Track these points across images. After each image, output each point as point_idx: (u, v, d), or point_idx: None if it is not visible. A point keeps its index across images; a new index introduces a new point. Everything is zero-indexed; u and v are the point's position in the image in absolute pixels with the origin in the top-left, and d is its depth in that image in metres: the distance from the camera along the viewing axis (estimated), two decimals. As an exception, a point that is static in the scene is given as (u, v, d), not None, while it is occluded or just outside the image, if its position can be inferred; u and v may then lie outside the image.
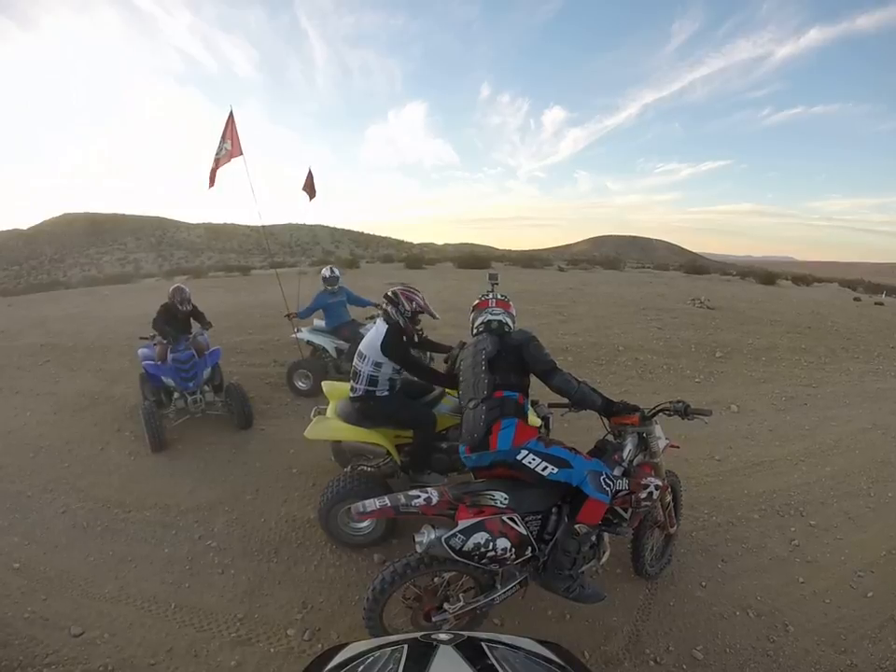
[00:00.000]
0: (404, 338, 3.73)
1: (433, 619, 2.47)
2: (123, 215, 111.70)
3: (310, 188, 7.48)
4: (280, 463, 4.86)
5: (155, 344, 5.82)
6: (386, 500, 2.40)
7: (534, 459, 2.55)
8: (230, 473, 4.69)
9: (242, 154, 5.16)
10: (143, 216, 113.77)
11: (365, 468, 3.64)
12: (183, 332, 5.83)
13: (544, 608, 3.05)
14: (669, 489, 3.18)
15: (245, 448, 5.22)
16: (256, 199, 5.31)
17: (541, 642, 1.52)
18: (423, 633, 1.49)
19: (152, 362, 5.62)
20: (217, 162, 5.16)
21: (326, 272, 7.04)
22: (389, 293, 3.73)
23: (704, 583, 3.37)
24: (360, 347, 3.67)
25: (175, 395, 5.58)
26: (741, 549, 3.80)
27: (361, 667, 1.31)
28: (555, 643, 1.56)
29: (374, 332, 3.64)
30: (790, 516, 4.29)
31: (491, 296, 3.28)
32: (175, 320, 5.89)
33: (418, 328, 4.03)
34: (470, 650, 1.32)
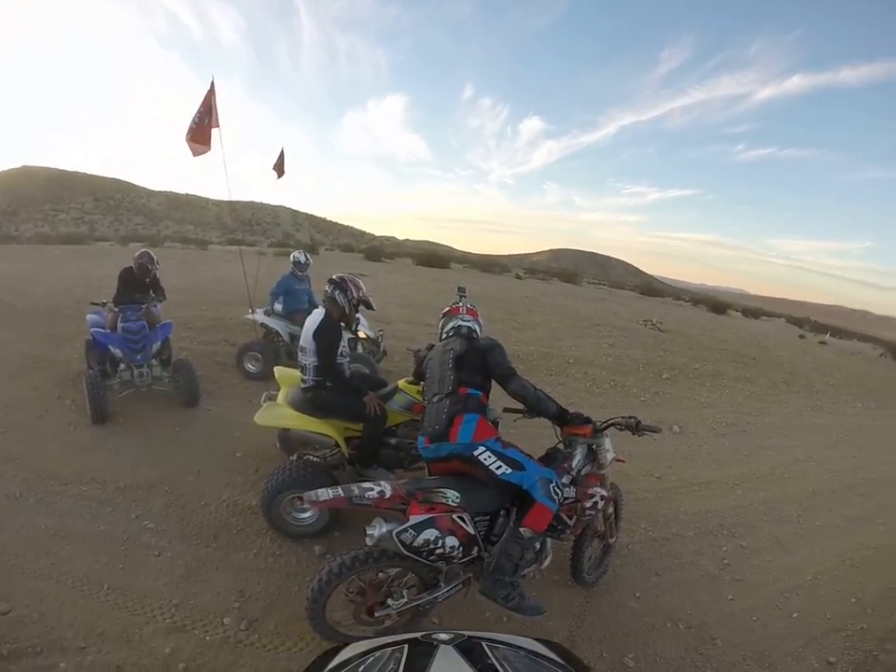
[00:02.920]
0: (342, 326, 3.77)
1: (376, 614, 2.46)
2: (84, 174, 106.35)
3: (279, 167, 7.39)
4: (224, 445, 4.72)
5: (107, 312, 5.58)
6: (340, 490, 2.39)
7: (490, 457, 2.60)
8: (172, 452, 4.53)
9: (218, 126, 5.00)
10: (104, 177, 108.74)
11: (311, 457, 3.60)
12: (138, 301, 5.60)
13: (483, 608, 3.08)
14: (612, 501, 3.28)
15: (189, 427, 5.06)
16: (227, 174, 5.14)
17: (542, 641, 1.53)
18: (423, 633, 1.48)
19: (101, 329, 5.37)
20: (192, 132, 4.97)
21: (300, 257, 6.97)
22: (336, 277, 3.76)
23: (638, 594, 3.47)
24: (300, 341, 3.67)
25: (122, 366, 5.32)
26: (675, 564, 3.93)
27: (362, 667, 1.30)
28: (556, 642, 1.57)
29: (309, 321, 3.66)
30: (722, 536, 4.47)
31: (462, 304, 3.40)
32: (134, 286, 5.68)
33: (357, 315, 4.08)
34: (471, 649, 1.32)
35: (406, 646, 1.35)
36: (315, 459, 3.59)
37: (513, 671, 1.24)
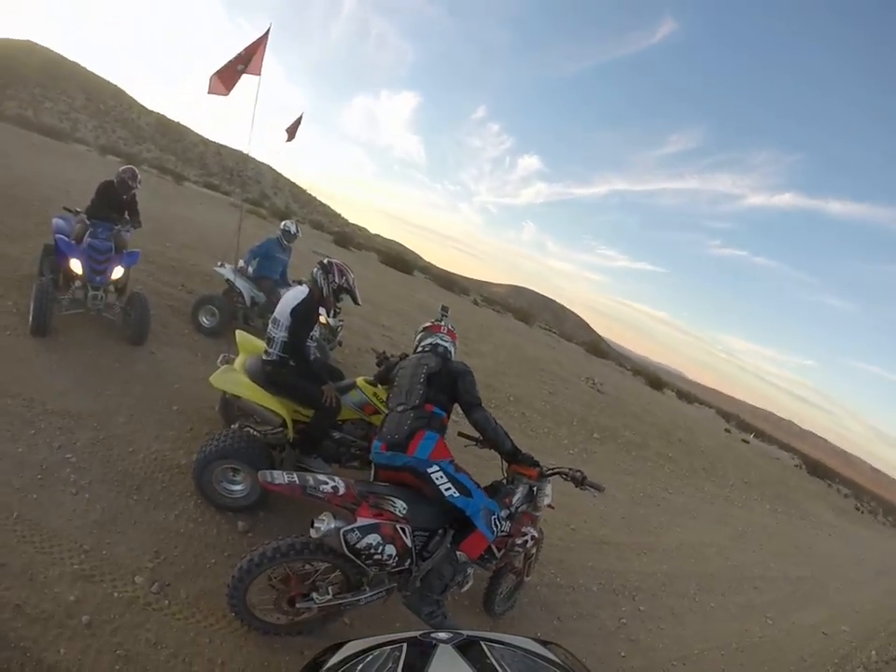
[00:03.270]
0: (319, 310, 3.74)
1: (297, 605, 2.44)
2: (84, 68, 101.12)
3: (293, 131, 7.39)
4: (162, 395, 4.53)
5: (76, 221, 5.26)
6: (295, 478, 2.37)
7: (442, 477, 2.67)
8: (107, 387, 4.30)
9: (259, 75, 4.89)
10: (103, 78, 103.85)
11: (252, 430, 3.53)
12: (112, 220, 5.31)
13: (395, 618, 3.09)
14: (538, 542, 3.39)
15: (129, 366, 4.82)
16: (253, 126, 5.02)
17: (540, 641, 1.54)
18: (422, 632, 1.47)
19: (66, 238, 5.04)
20: (222, 71, 4.83)
21: (292, 227, 6.86)
22: (325, 261, 3.76)
23: (539, 634, 3.54)
24: (275, 313, 3.61)
25: (77, 283, 4.99)
26: (576, 613, 4.08)
27: (360, 666, 1.29)
28: (555, 643, 1.59)
29: (291, 294, 3.62)
30: (623, 597, 4.68)
31: (443, 323, 3.49)
32: (112, 202, 5.41)
33: (339, 305, 4.05)
34: (470, 649, 1.32)
35: (405, 645, 1.35)
36: (255, 433, 3.52)
37: (512, 671, 1.25)
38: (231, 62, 4.96)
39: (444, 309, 4.00)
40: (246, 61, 4.93)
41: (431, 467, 2.68)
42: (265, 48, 4.97)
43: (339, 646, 1.49)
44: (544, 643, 1.55)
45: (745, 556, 7.49)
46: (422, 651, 1.31)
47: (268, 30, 5.00)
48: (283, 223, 6.95)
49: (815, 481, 24.30)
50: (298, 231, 6.95)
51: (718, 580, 6.10)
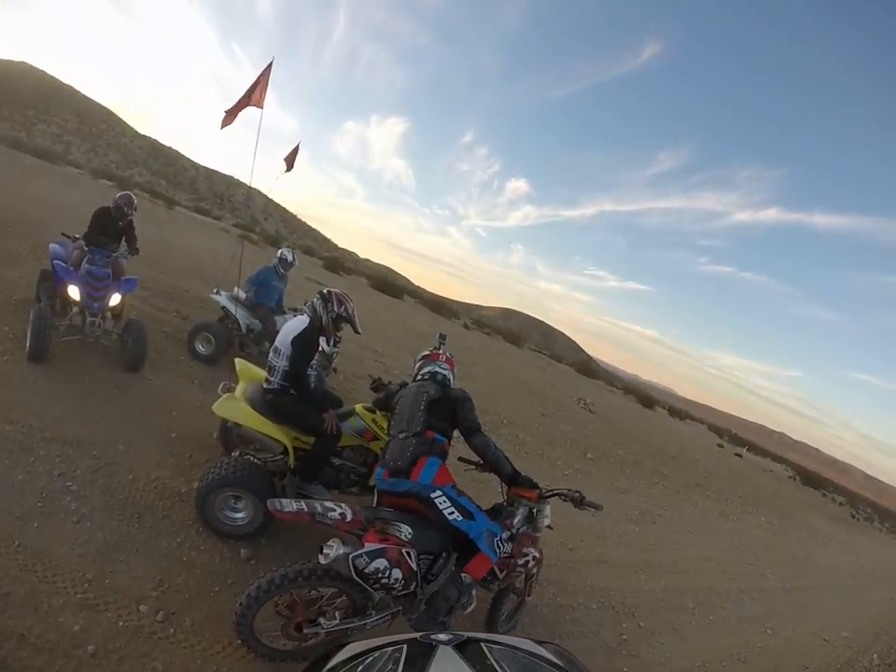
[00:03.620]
0: (320, 339, 3.80)
1: (304, 631, 2.45)
2: (78, 91, 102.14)
3: (291, 161, 7.51)
4: (160, 422, 4.53)
5: (73, 248, 5.28)
6: (304, 505, 2.42)
7: (445, 502, 2.73)
8: (105, 414, 4.29)
9: (262, 108, 4.99)
10: (97, 101, 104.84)
11: (253, 458, 3.52)
12: (109, 246, 5.35)
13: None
14: (539, 562, 3.43)
15: (127, 393, 4.82)
16: (255, 157, 5.10)
17: (540, 642, 1.53)
18: (422, 633, 1.47)
19: (63, 264, 5.05)
20: (237, 106, 4.96)
21: (288, 255, 6.89)
22: (325, 290, 3.81)
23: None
24: (276, 342, 3.65)
25: (75, 309, 5.01)
26: (577, 631, 4.10)
27: (361, 667, 1.30)
28: (554, 643, 1.59)
29: (292, 325, 3.66)
30: (623, 614, 4.70)
31: (442, 351, 3.58)
32: (108, 228, 5.45)
33: (338, 334, 4.09)
34: (470, 650, 1.32)
35: (405, 646, 1.35)
36: (256, 461, 3.51)
37: (511, 671, 1.25)
38: (240, 99, 5.09)
39: (442, 337, 4.05)
40: (250, 92, 5.06)
41: (435, 492, 2.73)
42: (268, 81, 5.10)
43: (340, 647, 1.50)
44: (543, 643, 1.55)
45: (742, 569, 7.53)
46: (422, 651, 1.31)
47: (270, 64, 5.11)
48: (280, 251, 6.99)
49: (809, 491, 24.46)
50: (294, 259, 6.98)
51: (716, 593, 6.13)
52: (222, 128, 5.28)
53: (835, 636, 6.44)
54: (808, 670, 5.19)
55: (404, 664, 1.24)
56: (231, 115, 5.13)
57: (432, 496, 2.72)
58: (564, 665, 1.41)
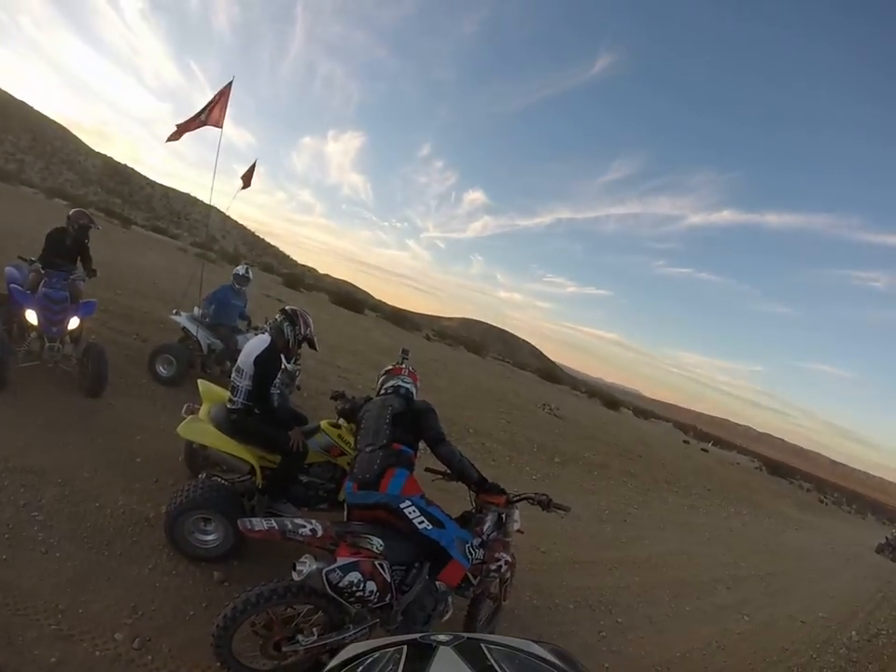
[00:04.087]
0: (282, 358, 3.79)
1: (283, 649, 2.46)
2: (32, 107, 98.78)
3: (248, 178, 7.49)
4: (125, 447, 4.45)
5: (30, 271, 5.16)
6: (274, 523, 2.44)
7: (414, 511, 2.78)
8: (68, 442, 4.21)
9: (221, 128, 4.96)
10: (50, 118, 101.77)
11: (220, 479, 3.51)
12: (66, 268, 5.24)
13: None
14: (512, 566, 3.50)
15: (89, 419, 4.72)
16: (214, 176, 5.08)
17: (541, 643, 1.53)
18: (422, 634, 1.46)
19: (20, 287, 4.93)
20: (191, 123, 4.90)
21: (242, 270, 6.86)
22: (289, 310, 3.82)
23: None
24: (238, 362, 3.64)
25: (33, 334, 4.88)
26: (556, 632, 4.16)
27: (360, 668, 1.29)
28: (555, 644, 1.58)
29: (254, 344, 3.65)
30: (600, 612, 4.79)
31: (405, 366, 3.63)
32: (63, 249, 5.34)
33: (298, 352, 4.12)
34: (470, 651, 1.30)
35: (405, 647, 1.34)
36: (224, 482, 3.49)
37: None
38: (194, 116, 5.04)
39: (405, 352, 4.12)
40: (208, 112, 5.02)
41: (404, 502, 2.78)
42: (227, 100, 5.06)
43: (339, 647, 1.53)
44: (544, 644, 1.55)
45: (715, 559, 7.74)
46: (422, 652, 1.30)
47: (230, 83, 5.08)
48: (235, 268, 6.96)
49: (776, 480, 25.22)
50: (249, 274, 6.95)
51: (691, 585, 6.29)
52: (167, 141, 5.23)
53: (812, 616, 6.68)
54: (788, 652, 5.34)
55: (404, 664, 1.24)
56: (180, 130, 5.07)
57: (401, 506, 2.77)
58: (564, 665, 1.41)
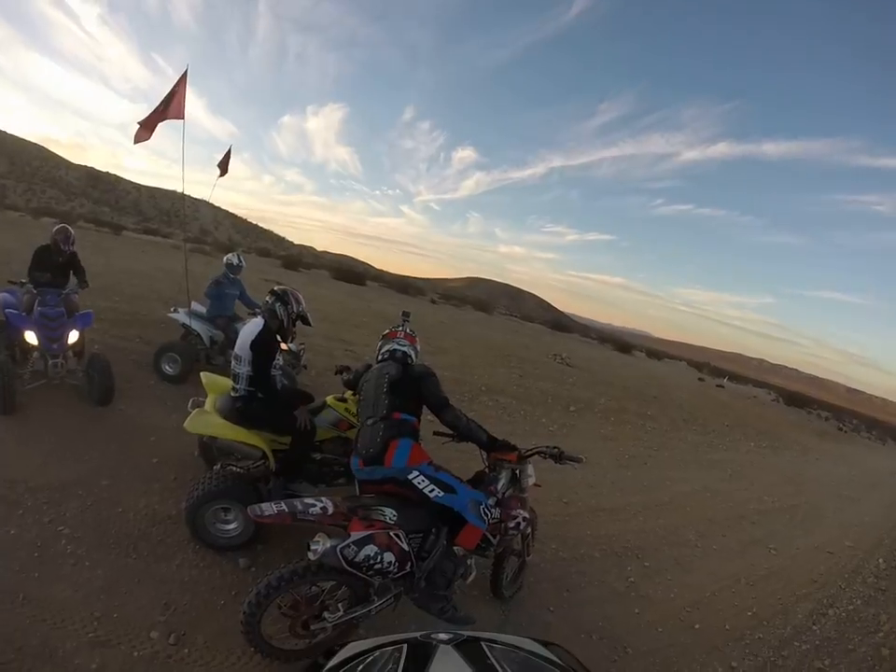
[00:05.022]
0: (278, 339, 3.79)
1: (311, 627, 2.51)
2: (5, 132, 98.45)
3: (224, 165, 7.38)
4: (140, 450, 4.52)
5: (22, 293, 5.19)
6: (283, 506, 2.45)
7: (423, 481, 2.77)
8: (84, 453, 4.27)
9: (182, 119, 4.86)
10: (26, 139, 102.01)
11: (234, 468, 3.55)
12: (57, 284, 5.24)
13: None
14: (531, 522, 3.53)
15: (102, 427, 4.78)
16: (184, 167, 5.00)
17: (541, 642, 1.55)
18: (422, 633, 1.47)
19: (15, 311, 4.95)
20: (147, 118, 4.81)
21: (234, 259, 6.82)
22: (278, 290, 3.79)
23: (552, 608, 3.72)
24: (236, 349, 3.63)
25: (35, 354, 4.93)
26: (584, 581, 4.23)
27: (361, 667, 1.30)
28: (556, 643, 1.60)
29: (248, 329, 3.64)
30: (627, 557, 4.85)
31: (401, 329, 3.52)
32: (51, 266, 5.32)
33: (294, 330, 4.12)
34: (470, 649, 1.32)
35: (405, 646, 1.36)
36: (238, 470, 3.54)
37: (512, 671, 1.26)
38: (154, 110, 4.95)
39: (405, 314, 4.05)
40: (167, 103, 4.93)
41: (411, 473, 2.77)
42: (185, 90, 4.96)
43: (339, 648, 1.52)
44: (544, 643, 1.56)
45: (738, 495, 7.79)
46: (422, 651, 1.31)
47: (185, 72, 4.96)
48: (225, 258, 6.92)
49: (794, 411, 25.21)
50: (241, 261, 6.92)
51: (716, 522, 6.34)
52: (136, 143, 5.16)
53: (839, 546, 6.71)
54: (817, 584, 5.36)
55: (404, 663, 1.25)
56: (146, 128, 4.99)
57: (409, 477, 2.76)
58: (565, 664, 1.41)
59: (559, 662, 1.41)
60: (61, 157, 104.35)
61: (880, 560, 6.58)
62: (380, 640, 1.47)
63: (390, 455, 2.81)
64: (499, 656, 1.30)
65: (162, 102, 4.93)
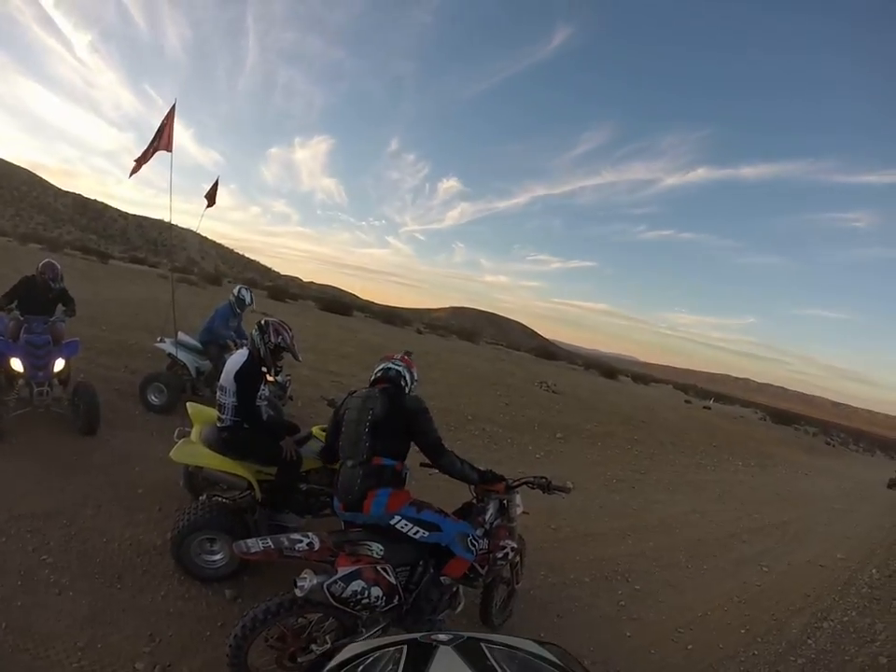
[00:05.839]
0: (262, 370, 3.80)
1: (298, 659, 2.47)
2: None
3: (212, 196, 7.45)
4: (125, 480, 4.48)
5: (9, 319, 5.17)
6: (270, 542, 2.42)
7: (406, 524, 2.74)
8: (69, 482, 4.22)
9: (171, 151, 4.96)
10: (14, 164, 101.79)
11: (220, 498, 3.52)
12: (44, 311, 5.24)
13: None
14: (519, 551, 3.52)
15: (87, 457, 4.74)
16: (171, 197, 5.10)
17: (541, 643, 1.53)
18: (422, 633, 1.46)
19: (1, 337, 4.94)
20: (147, 154, 4.92)
21: (246, 296, 6.71)
22: (261, 322, 3.84)
23: (542, 634, 3.67)
24: (221, 380, 3.65)
25: (20, 382, 4.89)
26: (574, 607, 4.20)
27: (361, 668, 1.29)
28: (556, 644, 1.58)
29: (233, 360, 3.67)
30: (617, 581, 4.83)
31: (400, 354, 3.46)
32: (35, 298, 5.31)
33: (279, 364, 4.13)
34: (470, 650, 1.31)
35: (405, 647, 1.34)
36: (224, 500, 3.51)
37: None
38: (149, 145, 5.08)
39: (408, 353, 4.08)
40: (158, 136, 5.04)
41: (393, 519, 2.73)
42: (173, 123, 5.08)
43: (338, 649, 1.51)
44: (544, 644, 1.54)
45: (728, 515, 7.79)
46: (422, 652, 1.30)
47: (173, 105, 5.09)
48: (238, 290, 6.72)
49: (781, 428, 25.34)
50: (252, 301, 6.78)
51: (706, 543, 6.32)
52: (130, 176, 5.26)
53: (831, 560, 6.71)
54: (811, 598, 5.34)
55: (404, 664, 1.24)
56: (139, 164, 5.11)
57: (392, 523, 2.73)
58: (565, 665, 1.40)
59: (559, 662, 1.40)
60: (49, 182, 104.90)
61: (873, 570, 6.59)
62: (380, 641, 1.46)
63: (368, 504, 2.74)
64: (499, 657, 1.30)
65: (154, 137, 5.05)
